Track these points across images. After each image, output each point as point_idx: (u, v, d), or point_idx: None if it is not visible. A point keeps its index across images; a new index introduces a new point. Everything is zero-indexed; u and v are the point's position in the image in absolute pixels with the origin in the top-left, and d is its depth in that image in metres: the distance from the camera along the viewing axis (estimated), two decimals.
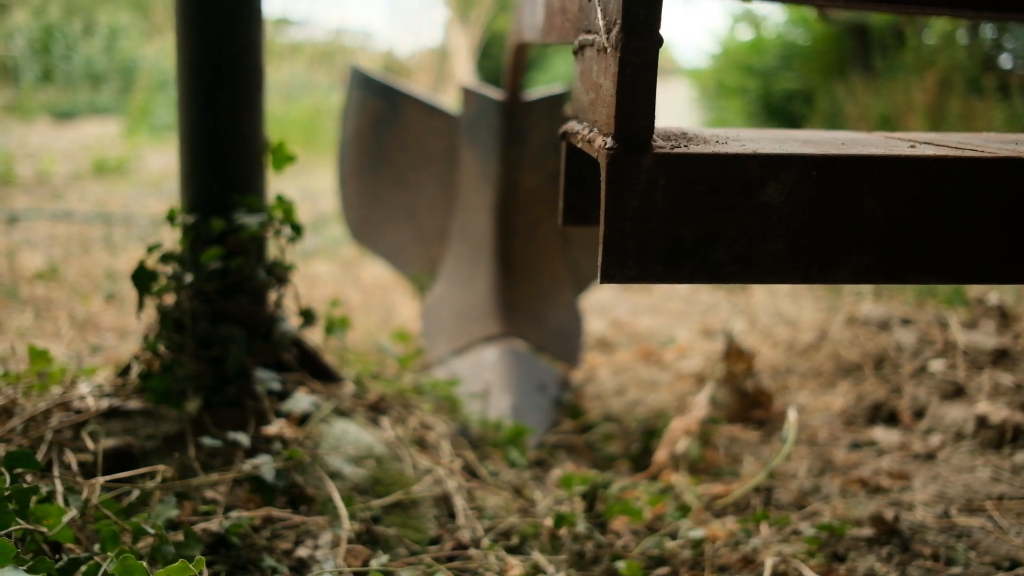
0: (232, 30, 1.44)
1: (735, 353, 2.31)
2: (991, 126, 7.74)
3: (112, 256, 3.70)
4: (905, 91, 8.99)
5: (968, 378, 2.32)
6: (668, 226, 0.83)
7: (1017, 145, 0.96)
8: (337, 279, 3.55)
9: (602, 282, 0.84)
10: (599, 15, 0.88)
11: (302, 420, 1.43)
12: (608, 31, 0.83)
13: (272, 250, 1.54)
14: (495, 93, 2.06)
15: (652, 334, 3.05)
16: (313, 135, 9.19)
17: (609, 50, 0.83)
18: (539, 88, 2.23)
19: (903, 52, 9.55)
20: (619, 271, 0.84)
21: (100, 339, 2.38)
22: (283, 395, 1.47)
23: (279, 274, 1.49)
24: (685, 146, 0.85)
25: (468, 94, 2.10)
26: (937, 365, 2.43)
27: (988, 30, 9.65)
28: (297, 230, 1.53)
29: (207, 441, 1.30)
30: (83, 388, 1.42)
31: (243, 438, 1.30)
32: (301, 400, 1.41)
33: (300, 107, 10.40)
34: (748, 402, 2.30)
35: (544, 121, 2.04)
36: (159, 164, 7.12)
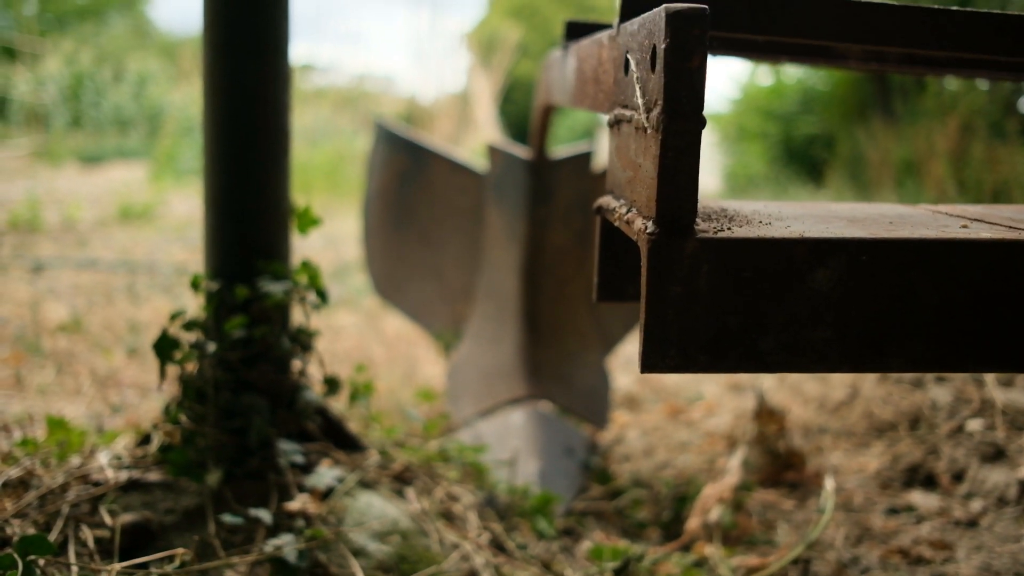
0: (259, 94, 1.43)
1: (766, 413, 2.26)
2: (1015, 171, 7.67)
3: (135, 307, 3.69)
4: (927, 136, 8.95)
5: (1008, 439, 2.25)
6: (712, 313, 0.79)
7: None
8: (360, 331, 3.53)
9: (643, 371, 0.80)
10: (638, 93, 0.85)
11: (326, 494, 1.40)
12: (648, 110, 0.80)
13: (297, 316, 1.52)
14: (521, 151, 2.04)
15: (679, 389, 3.00)
16: (336, 180, 9.24)
17: (649, 131, 0.80)
18: (565, 147, 2.21)
19: (924, 97, 9.52)
20: (661, 360, 0.80)
21: (121, 396, 2.35)
22: (307, 467, 1.44)
23: (303, 341, 1.46)
24: (728, 229, 0.82)
25: (494, 152, 2.08)
26: (975, 425, 2.36)
27: None
28: (323, 296, 1.50)
29: (228, 519, 1.26)
30: (102, 458, 1.39)
31: (265, 515, 1.27)
32: (325, 475, 1.37)
33: (323, 152, 10.48)
34: (780, 464, 2.24)
35: (571, 180, 2.02)
36: (184, 209, 7.18)
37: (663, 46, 0.75)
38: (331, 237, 6.16)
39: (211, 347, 1.37)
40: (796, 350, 0.80)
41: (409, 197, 2.32)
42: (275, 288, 1.38)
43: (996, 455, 2.21)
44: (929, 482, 2.23)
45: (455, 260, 2.28)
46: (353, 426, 1.65)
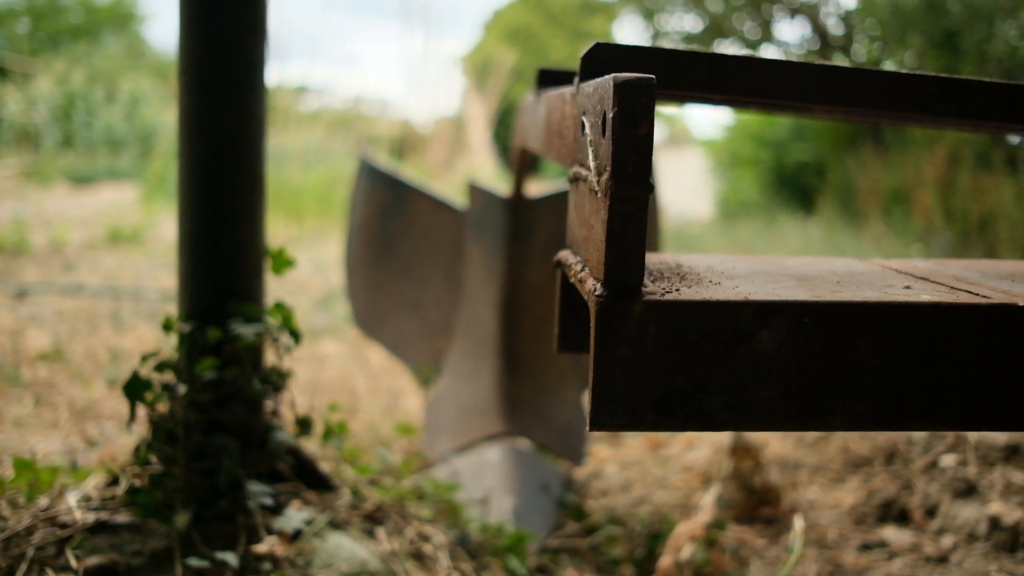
0: (234, 139, 1.45)
1: (742, 448, 2.27)
2: (999, 200, 7.73)
3: (119, 335, 3.70)
4: (915, 165, 9.03)
5: (979, 475, 2.27)
6: (659, 374, 0.81)
7: (1014, 282, 0.94)
8: (345, 361, 3.54)
9: (591, 430, 0.82)
10: (591, 156, 0.87)
11: (295, 536, 1.41)
12: (599, 174, 0.82)
13: (270, 356, 1.53)
14: (501, 190, 2.07)
15: None
16: (329, 203, 9.25)
17: (600, 194, 0.82)
18: (544, 184, 2.23)
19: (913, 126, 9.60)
20: (608, 419, 0.82)
21: (99, 428, 2.36)
22: (276, 508, 1.45)
23: (275, 382, 1.48)
24: (677, 289, 0.84)
25: (474, 191, 2.10)
26: (948, 460, 2.38)
27: None
28: (296, 337, 1.52)
29: (194, 562, 1.27)
30: (71, 499, 1.40)
31: (231, 558, 1.28)
32: (293, 517, 1.38)
33: (316, 175, 10.50)
34: (756, 499, 2.25)
35: (549, 218, 2.04)
36: (174, 232, 7.18)
37: (611, 114, 0.78)
38: (320, 262, 6.18)
39: (181, 389, 1.38)
40: (741, 410, 0.82)
41: (391, 232, 2.34)
42: (246, 331, 1.40)
43: (967, 491, 2.22)
44: (903, 517, 2.25)
45: (436, 296, 2.30)
46: (327, 465, 1.66)
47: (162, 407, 1.42)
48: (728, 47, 12.48)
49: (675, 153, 14.87)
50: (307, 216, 9.01)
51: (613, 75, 0.78)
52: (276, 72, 10.86)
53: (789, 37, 12.37)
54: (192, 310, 1.45)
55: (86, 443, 2.16)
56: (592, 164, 0.86)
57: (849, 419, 0.83)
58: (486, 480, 1.92)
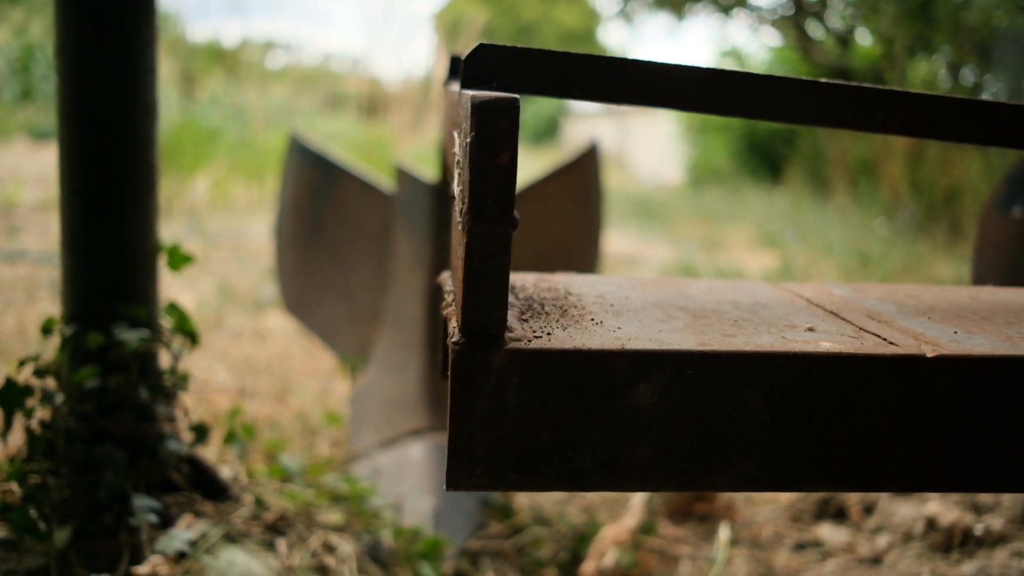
0: (120, 126, 1.34)
1: None
2: (966, 174, 7.71)
3: (56, 307, 3.57)
4: (884, 136, 8.98)
5: None
6: (522, 430, 0.73)
7: (930, 319, 0.87)
8: (288, 336, 3.44)
9: (448, 489, 0.74)
10: (456, 178, 0.78)
11: (185, 553, 1.32)
12: (461, 204, 0.73)
13: (166, 359, 1.44)
14: (429, 176, 1.97)
15: None
16: None
17: (460, 227, 0.74)
18: None
19: None
20: (467, 479, 0.74)
21: None
22: (165, 522, 1.36)
23: (167, 390, 1.38)
24: (549, 333, 0.76)
25: (402, 175, 2.00)
26: None
27: (969, 74, 9.64)
28: (192, 338, 1.42)
29: None
30: None
31: None
32: (177, 537, 1.30)
33: (281, 134, 10.27)
34: (691, 495, 2.20)
35: None
36: None
37: (468, 140, 0.69)
38: None
39: (60, 398, 1.28)
40: (615, 469, 0.75)
41: (320, 214, 2.24)
42: (130, 336, 1.30)
43: None
44: (840, 514, 2.20)
45: (366, 282, 2.20)
46: (232, 470, 1.58)
47: (43, 414, 1.32)
48: (700, 11, 12.33)
49: (646, 117, 14.73)
50: (269, 177, 8.81)
51: (471, 93, 0.69)
52: (240, 27, 10.59)
53: (763, 2, 12.22)
54: (75, 311, 1.36)
55: None
56: (456, 191, 0.77)
57: (736, 479, 0.76)
58: (407, 478, 1.84)
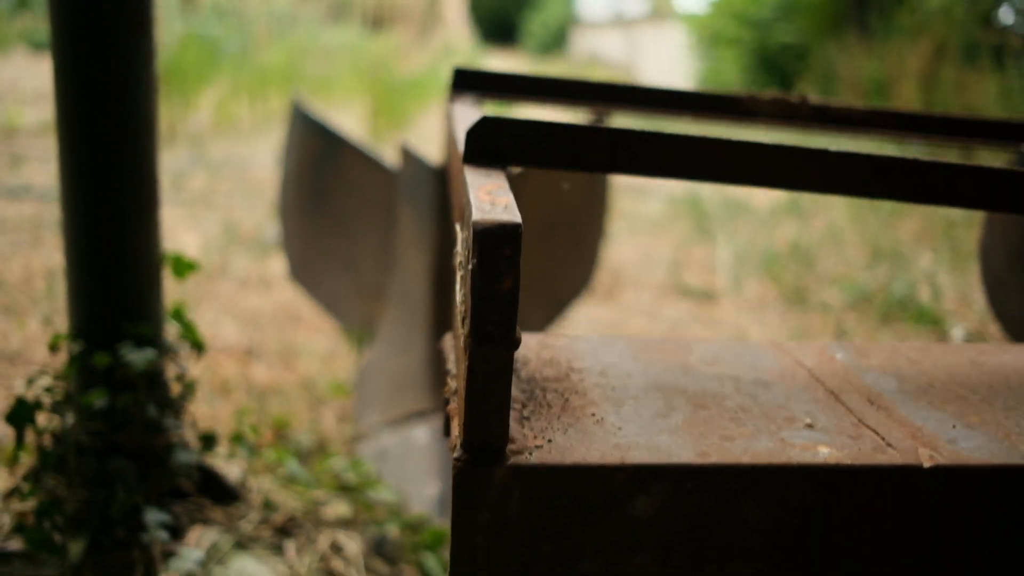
0: (118, 139, 1.32)
1: None
2: (982, 97, 7.56)
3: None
4: (899, 55, 8.78)
5: None
6: (524, 540, 0.74)
7: (930, 403, 0.87)
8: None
9: None
10: (457, 292, 0.78)
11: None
12: (462, 319, 0.73)
13: (172, 368, 1.45)
14: (433, 159, 1.94)
15: None
16: (296, 81, 8.88)
17: (462, 343, 0.74)
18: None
19: (900, 12, 9.30)
20: None
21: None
22: (177, 531, 1.40)
23: (175, 403, 1.40)
24: (550, 440, 0.76)
25: (406, 155, 1.98)
26: None
27: None
28: (199, 348, 1.43)
29: None
30: None
31: None
32: (188, 558, 1.33)
33: (282, 48, 10.07)
34: None
35: None
36: None
37: (470, 265, 0.68)
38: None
39: (70, 419, 1.30)
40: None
41: (324, 183, 2.22)
42: (136, 358, 1.31)
43: None
44: None
45: (371, 254, 2.20)
46: (235, 471, 1.60)
47: (54, 429, 1.34)
48: None
49: (656, 28, 14.40)
50: (272, 95, 8.68)
51: (474, 219, 0.68)
52: None
53: None
54: (80, 328, 1.36)
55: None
56: (458, 295, 0.77)
57: None
58: (412, 462, 1.87)
